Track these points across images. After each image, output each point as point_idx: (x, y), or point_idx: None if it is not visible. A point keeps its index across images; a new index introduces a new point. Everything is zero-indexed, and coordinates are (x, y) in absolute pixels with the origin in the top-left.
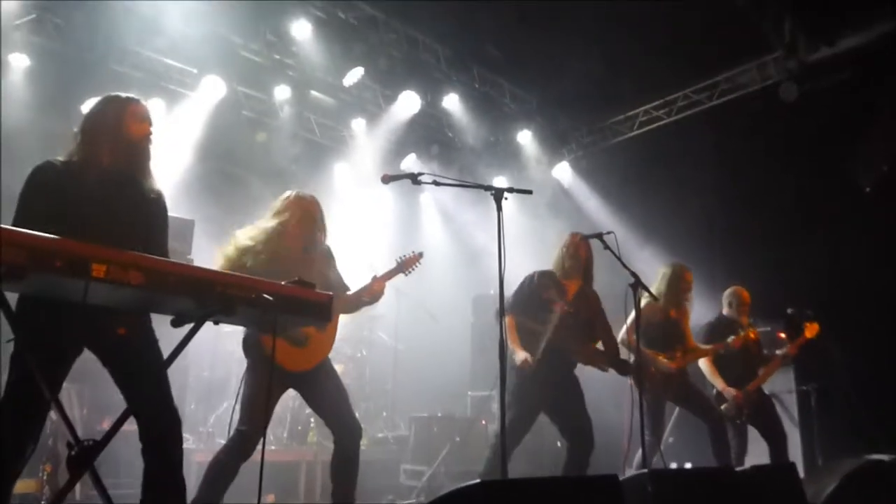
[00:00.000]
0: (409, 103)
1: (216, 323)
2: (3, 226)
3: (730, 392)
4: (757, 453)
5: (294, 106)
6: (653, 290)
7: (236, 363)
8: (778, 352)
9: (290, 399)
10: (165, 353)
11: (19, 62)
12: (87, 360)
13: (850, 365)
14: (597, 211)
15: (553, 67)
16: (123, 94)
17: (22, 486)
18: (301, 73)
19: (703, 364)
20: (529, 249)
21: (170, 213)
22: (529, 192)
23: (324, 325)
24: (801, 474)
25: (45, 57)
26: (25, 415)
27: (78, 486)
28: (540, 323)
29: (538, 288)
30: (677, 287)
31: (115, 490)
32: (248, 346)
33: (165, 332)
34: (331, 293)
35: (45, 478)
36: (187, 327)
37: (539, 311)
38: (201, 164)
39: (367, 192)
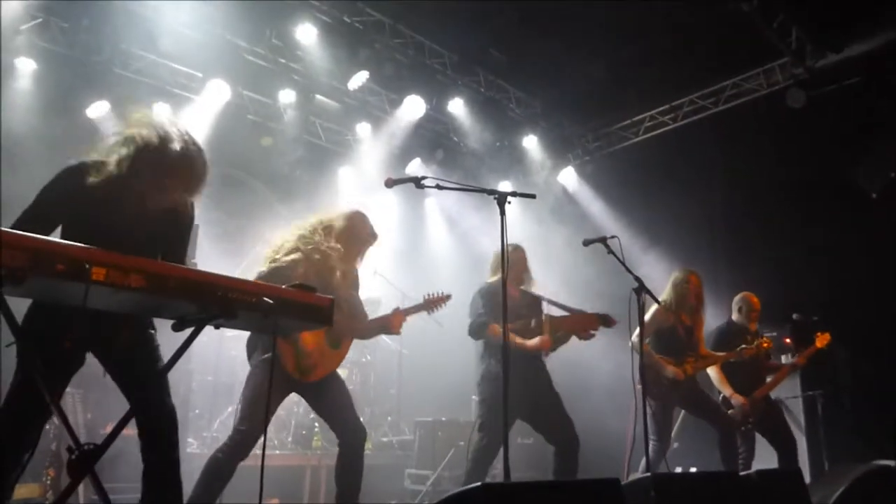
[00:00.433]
0: (414, 108)
1: (217, 327)
2: (3, 229)
3: (737, 399)
4: (766, 459)
5: (299, 110)
6: (662, 296)
7: (240, 368)
8: (787, 361)
9: (294, 404)
10: (167, 357)
11: (25, 66)
12: (91, 365)
13: (856, 369)
14: (601, 216)
15: (558, 72)
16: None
17: (25, 490)
18: (306, 78)
19: (711, 370)
20: (534, 254)
21: None
22: (533, 196)
23: (324, 327)
24: (808, 479)
25: (51, 61)
26: (25, 420)
27: (80, 490)
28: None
29: (499, 300)
30: (684, 291)
31: (117, 494)
32: (253, 346)
33: (167, 336)
34: (331, 297)
35: (48, 482)
36: (188, 331)
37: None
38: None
39: (372, 196)
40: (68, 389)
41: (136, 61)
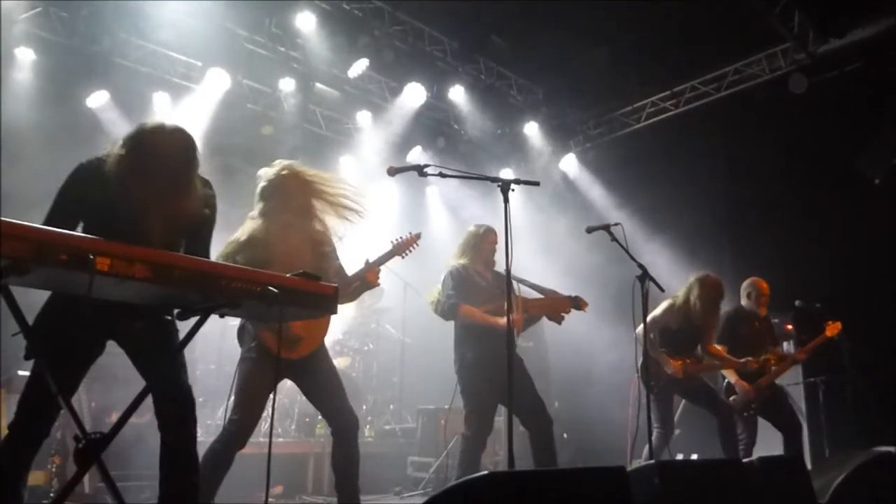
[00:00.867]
0: (414, 95)
1: (221, 316)
2: (5, 219)
3: (742, 386)
4: (767, 444)
5: (299, 98)
6: (680, 295)
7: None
8: (795, 351)
9: (297, 392)
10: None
11: (24, 56)
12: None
13: (857, 356)
14: (603, 202)
15: (560, 59)
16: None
17: (31, 478)
18: (306, 66)
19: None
20: (536, 241)
21: None
22: (537, 183)
23: (330, 315)
24: (809, 466)
25: (50, 51)
26: (40, 409)
27: (86, 479)
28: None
29: (468, 278)
30: (706, 296)
31: (123, 483)
32: (243, 335)
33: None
34: (335, 285)
35: (53, 470)
36: (193, 320)
37: (475, 300)
38: (206, 158)
39: (373, 184)
40: None
41: (136, 51)
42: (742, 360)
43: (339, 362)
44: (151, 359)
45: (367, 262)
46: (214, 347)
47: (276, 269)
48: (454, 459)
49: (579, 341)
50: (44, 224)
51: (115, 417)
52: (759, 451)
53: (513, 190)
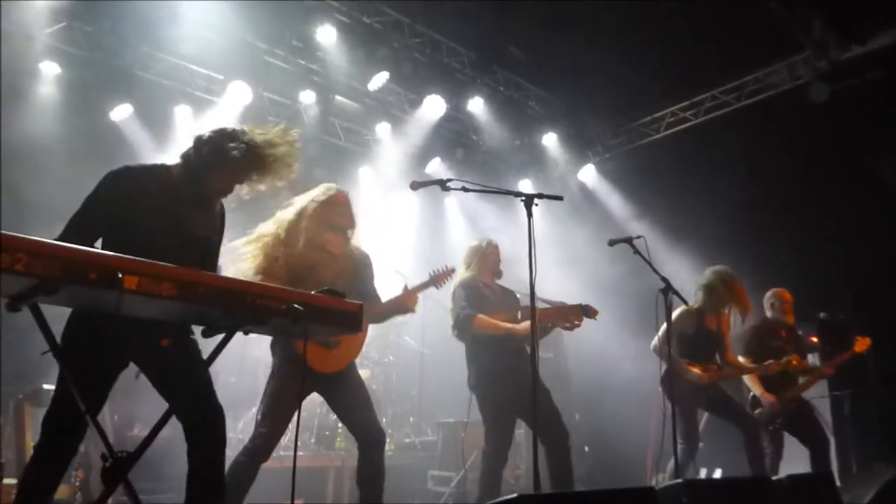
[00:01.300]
0: (433, 107)
1: (246, 333)
2: (37, 238)
3: (768, 398)
4: (793, 459)
5: (319, 111)
6: (690, 295)
7: (263, 369)
8: (821, 365)
9: (317, 405)
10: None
11: (49, 70)
12: None
13: (883, 369)
14: (622, 213)
15: (578, 69)
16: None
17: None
18: (326, 78)
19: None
20: (555, 253)
21: None
22: (560, 198)
23: (354, 333)
24: (837, 483)
25: (74, 64)
26: (67, 426)
27: None
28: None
29: (478, 289)
30: (719, 294)
31: (148, 496)
32: (276, 348)
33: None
34: (360, 303)
35: (77, 484)
36: (218, 337)
37: (485, 312)
38: None
39: (393, 196)
40: None
41: (158, 64)
42: (764, 364)
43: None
44: (177, 379)
45: (405, 288)
46: (235, 360)
47: (315, 278)
48: (475, 474)
49: (601, 353)
50: (63, 234)
51: (137, 431)
52: (786, 467)
53: (536, 204)
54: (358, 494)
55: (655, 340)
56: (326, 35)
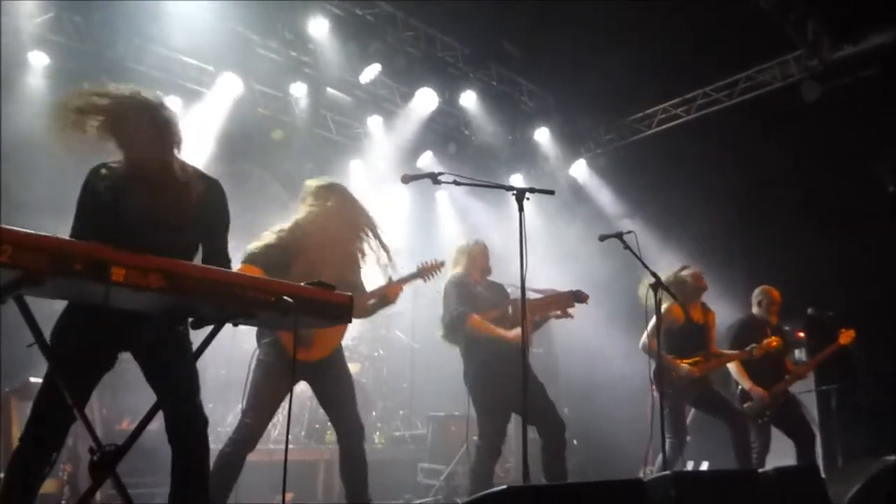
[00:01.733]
0: (426, 101)
1: (235, 325)
2: (23, 229)
3: (757, 392)
4: (780, 453)
5: (310, 103)
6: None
7: (254, 362)
8: (809, 359)
9: (307, 399)
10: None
11: (38, 60)
12: None
13: (871, 364)
14: (613, 209)
15: (571, 65)
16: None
17: (43, 486)
18: (317, 71)
19: (731, 364)
20: (545, 248)
21: None
22: (551, 192)
23: (344, 324)
24: (822, 475)
25: (64, 55)
26: (53, 421)
27: None
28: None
29: (468, 287)
30: (692, 288)
31: (133, 489)
32: (260, 338)
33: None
34: (350, 294)
35: (65, 478)
36: (207, 329)
37: (477, 309)
38: (217, 162)
39: (383, 189)
40: None
41: (149, 56)
42: (747, 349)
43: (349, 368)
44: (164, 374)
45: (390, 279)
46: (224, 353)
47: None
48: (465, 466)
49: (590, 348)
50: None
51: (126, 425)
52: (771, 460)
53: (527, 198)
54: (345, 489)
55: (644, 338)
56: (319, 27)
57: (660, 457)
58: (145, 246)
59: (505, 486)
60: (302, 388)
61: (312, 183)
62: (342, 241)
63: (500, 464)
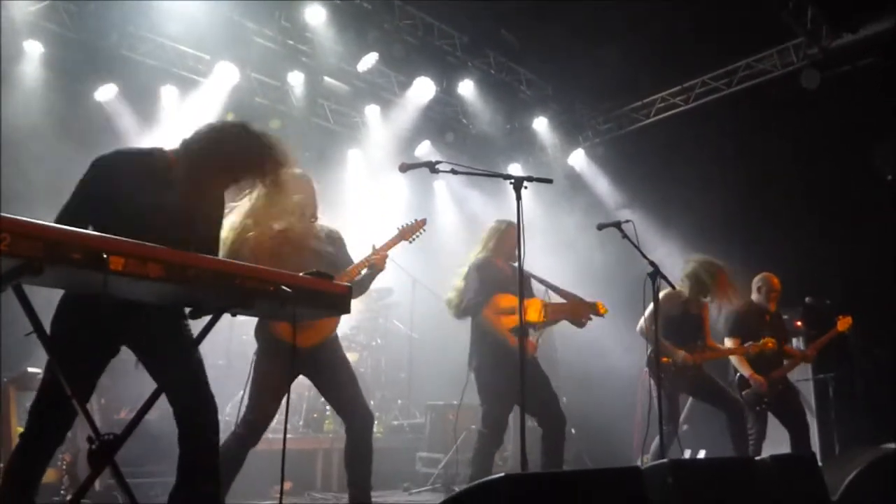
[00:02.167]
0: (423, 90)
1: (234, 315)
2: (21, 218)
3: (756, 379)
4: (775, 440)
5: (307, 92)
6: (677, 281)
7: (252, 351)
8: (807, 347)
9: (305, 388)
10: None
11: (33, 49)
12: None
13: (868, 353)
14: (612, 198)
15: (570, 54)
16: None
17: None
18: (315, 59)
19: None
20: (545, 237)
21: None
22: (550, 181)
23: (342, 314)
24: (819, 463)
25: (59, 44)
26: (54, 414)
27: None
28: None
29: (491, 271)
30: (704, 281)
31: (132, 479)
32: (257, 331)
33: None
34: (349, 284)
35: (64, 467)
36: (206, 319)
37: (498, 291)
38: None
39: (381, 178)
40: None
41: (144, 44)
42: (743, 346)
43: (346, 357)
44: (167, 368)
45: (373, 248)
46: (223, 343)
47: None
48: (463, 455)
49: (588, 338)
50: (60, 216)
51: (125, 414)
52: (767, 448)
53: (525, 187)
54: (346, 478)
55: (642, 322)
56: (315, 15)
57: (654, 444)
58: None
59: (503, 474)
60: (300, 377)
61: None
62: (287, 240)
63: (499, 452)
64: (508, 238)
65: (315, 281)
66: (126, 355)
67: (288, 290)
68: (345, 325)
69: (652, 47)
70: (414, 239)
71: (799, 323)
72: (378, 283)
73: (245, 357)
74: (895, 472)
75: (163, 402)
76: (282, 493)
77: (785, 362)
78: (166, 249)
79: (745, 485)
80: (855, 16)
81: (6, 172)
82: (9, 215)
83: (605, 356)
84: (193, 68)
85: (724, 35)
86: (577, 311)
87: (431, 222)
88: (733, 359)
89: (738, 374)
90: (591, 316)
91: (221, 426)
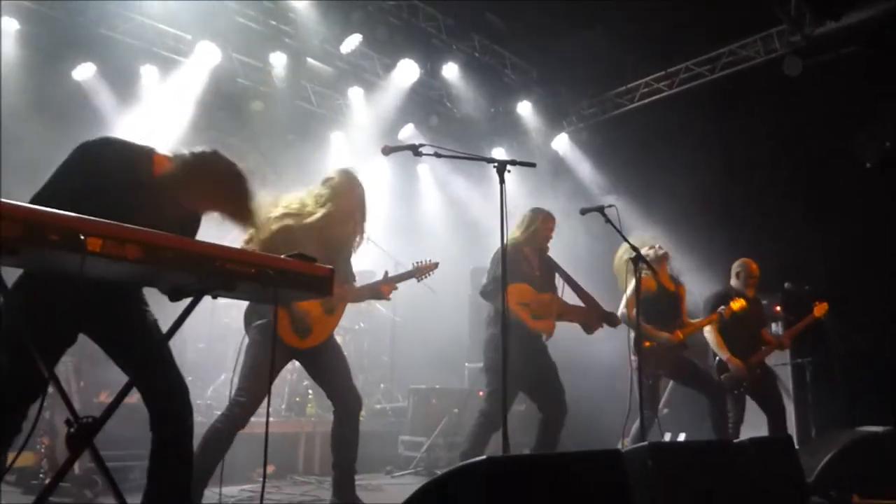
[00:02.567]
0: (407, 72)
1: (215, 297)
2: None
3: (734, 363)
4: (754, 424)
5: (290, 74)
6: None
7: (233, 335)
8: (785, 331)
9: (287, 372)
10: (164, 328)
11: (8, 26)
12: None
13: (847, 338)
14: (595, 183)
15: (554, 37)
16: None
17: (20, 459)
18: (298, 41)
19: (709, 334)
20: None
21: None
22: (533, 164)
23: (324, 298)
24: (796, 446)
25: (35, 21)
26: (10, 401)
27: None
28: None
29: (516, 260)
30: (658, 259)
31: (110, 462)
32: (252, 317)
33: (163, 306)
34: (330, 267)
35: (42, 451)
36: (185, 301)
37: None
38: (195, 133)
39: (364, 162)
40: (62, 359)
41: (123, 22)
42: (717, 311)
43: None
44: (127, 352)
45: (385, 275)
46: (204, 326)
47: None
48: (445, 438)
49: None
50: (35, 197)
51: (104, 397)
52: (745, 431)
53: (509, 171)
54: (331, 460)
55: (622, 308)
56: None
57: (635, 426)
58: None
59: (485, 457)
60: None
61: (334, 173)
62: (343, 235)
63: None
64: (543, 229)
65: (297, 263)
66: None
67: (270, 272)
68: None
69: (636, 32)
70: (423, 279)
71: (778, 308)
72: (361, 266)
73: (226, 341)
74: (869, 454)
75: None
76: (265, 476)
77: (763, 347)
78: (145, 231)
79: (723, 467)
80: (838, 4)
81: None
82: None
83: (586, 341)
84: (174, 48)
85: (709, 21)
86: (591, 316)
87: (415, 205)
88: (712, 342)
89: (717, 359)
90: (603, 325)
91: (202, 409)
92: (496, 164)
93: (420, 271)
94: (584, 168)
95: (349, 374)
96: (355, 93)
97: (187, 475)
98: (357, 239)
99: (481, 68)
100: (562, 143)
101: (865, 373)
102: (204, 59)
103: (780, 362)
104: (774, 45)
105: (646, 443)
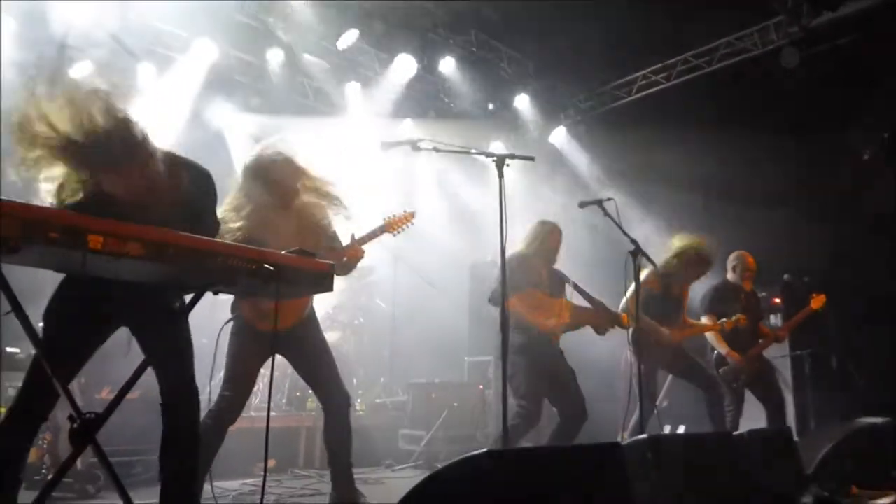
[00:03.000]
0: (404, 67)
1: (215, 293)
2: None
3: (733, 356)
4: (753, 417)
5: (287, 70)
6: (660, 260)
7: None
8: (784, 323)
9: (287, 366)
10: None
11: (5, 25)
12: None
13: (844, 329)
14: (593, 176)
15: (551, 31)
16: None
17: None
18: (295, 37)
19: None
20: (525, 216)
21: None
22: (532, 158)
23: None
24: (795, 438)
25: (25, 20)
26: (41, 390)
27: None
28: None
29: (522, 273)
30: (687, 261)
31: (112, 458)
32: (233, 311)
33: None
34: (331, 262)
35: (45, 447)
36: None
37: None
38: (192, 131)
39: (362, 157)
40: None
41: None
42: (718, 322)
43: (329, 336)
44: (157, 339)
45: (352, 238)
46: (206, 322)
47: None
48: (445, 432)
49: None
50: None
51: (106, 394)
52: (744, 423)
53: (507, 165)
54: (327, 456)
55: (624, 302)
56: None
57: (634, 419)
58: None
59: (485, 450)
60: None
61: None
62: (287, 214)
63: (481, 429)
64: (551, 241)
65: (298, 259)
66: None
67: (270, 267)
68: (326, 305)
69: (633, 25)
70: (399, 232)
71: (777, 300)
72: (360, 263)
73: (226, 337)
74: (867, 446)
75: (144, 382)
76: (265, 470)
77: (761, 340)
78: (146, 228)
79: (723, 459)
80: None
81: None
82: None
83: (585, 335)
84: (170, 45)
85: (706, 13)
86: (601, 318)
87: (412, 201)
88: (710, 337)
89: (716, 352)
90: (613, 327)
91: (204, 405)
92: (495, 158)
93: (392, 225)
94: (581, 161)
95: (334, 369)
96: (353, 88)
97: (193, 463)
98: (326, 207)
99: (478, 62)
100: (559, 136)
101: (864, 363)
102: (201, 57)
103: (779, 354)
104: (772, 37)
105: (645, 435)
